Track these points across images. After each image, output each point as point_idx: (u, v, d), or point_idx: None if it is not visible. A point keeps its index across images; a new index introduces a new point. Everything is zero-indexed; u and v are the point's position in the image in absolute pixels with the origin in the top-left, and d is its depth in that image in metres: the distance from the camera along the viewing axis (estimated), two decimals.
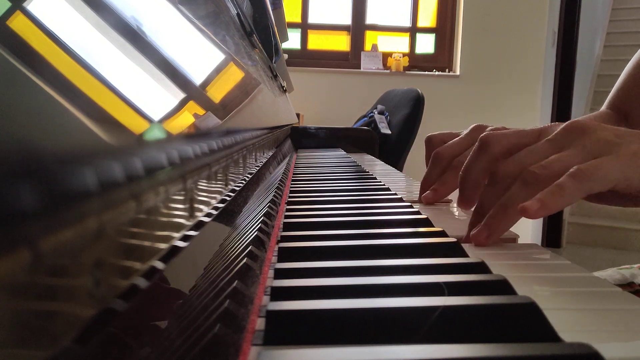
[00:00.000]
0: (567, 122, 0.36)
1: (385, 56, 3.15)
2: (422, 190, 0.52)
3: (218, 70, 0.41)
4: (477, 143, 0.39)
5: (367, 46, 3.19)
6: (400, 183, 0.69)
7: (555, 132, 0.36)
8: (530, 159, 0.35)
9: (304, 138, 1.47)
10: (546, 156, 0.34)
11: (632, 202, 0.37)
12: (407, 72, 3.11)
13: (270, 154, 0.78)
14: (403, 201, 0.47)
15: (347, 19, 3.19)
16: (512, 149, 0.37)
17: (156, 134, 0.21)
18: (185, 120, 0.26)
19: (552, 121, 3.14)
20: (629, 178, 0.32)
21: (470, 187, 0.39)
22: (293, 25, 3.10)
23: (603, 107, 0.73)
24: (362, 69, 3.12)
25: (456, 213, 0.48)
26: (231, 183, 0.37)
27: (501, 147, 0.38)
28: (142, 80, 0.22)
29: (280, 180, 0.59)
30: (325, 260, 0.26)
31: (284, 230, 0.35)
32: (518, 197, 0.33)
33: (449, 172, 0.49)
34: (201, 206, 0.26)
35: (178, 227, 0.21)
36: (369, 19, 3.19)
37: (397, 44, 3.21)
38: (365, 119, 2.39)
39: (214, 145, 0.29)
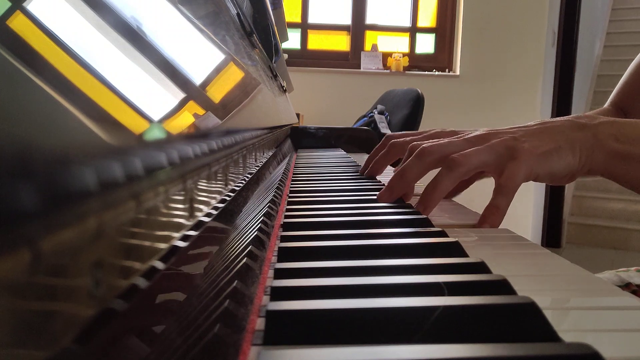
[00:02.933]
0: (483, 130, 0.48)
1: (385, 56, 3.15)
2: (366, 166, 0.67)
3: (218, 70, 0.41)
4: (416, 151, 0.47)
5: (367, 46, 3.19)
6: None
7: (472, 134, 0.47)
8: (450, 148, 0.45)
9: (303, 138, 1.47)
10: (463, 149, 0.44)
11: (561, 181, 0.45)
12: (407, 72, 3.11)
13: (270, 153, 0.78)
14: (403, 201, 0.47)
15: (347, 19, 3.19)
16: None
17: (156, 134, 0.21)
18: (185, 120, 0.26)
19: None
20: (527, 176, 0.41)
21: (401, 187, 0.46)
22: (293, 25, 3.10)
23: (606, 104, 0.75)
24: (362, 69, 3.12)
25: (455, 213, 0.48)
26: (231, 183, 0.37)
27: (435, 158, 0.45)
28: (142, 80, 0.22)
29: (280, 180, 0.59)
30: (325, 260, 0.26)
31: (284, 230, 0.35)
32: (443, 178, 0.43)
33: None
34: (201, 206, 0.26)
35: (178, 227, 0.21)
36: (369, 19, 3.19)
37: (397, 44, 3.21)
38: (365, 119, 2.39)
39: (213, 145, 0.29)
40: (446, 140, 0.47)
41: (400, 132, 0.65)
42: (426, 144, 0.47)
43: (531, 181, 0.44)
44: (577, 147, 0.42)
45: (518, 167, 0.41)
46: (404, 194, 0.47)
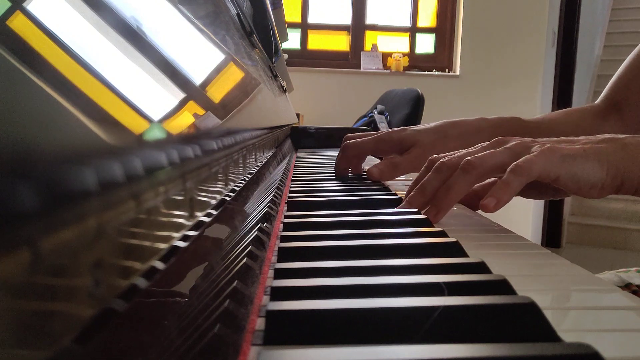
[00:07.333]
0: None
1: (385, 56, 3.15)
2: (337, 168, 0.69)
3: (218, 70, 0.41)
4: (435, 165, 0.45)
5: (367, 46, 3.19)
6: (400, 183, 0.69)
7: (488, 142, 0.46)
8: (467, 156, 0.43)
9: (303, 138, 1.47)
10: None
11: (551, 194, 0.46)
12: (407, 72, 3.11)
13: (270, 153, 0.78)
14: (403, 201, 0.47)
15: (347, 19, 3.19)
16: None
17: (156, 134, 0.21)
18: (185, 120, 0.26)
19: None
20: (547, 169, 0.39)
21: (421, 201, 0.44)
22: (293, 25, 3.10)
23: (597, 101, 0.75)
24: (362, 69, 3.12)
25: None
26: (231, 183, 0.37)
27: (453, 170, 0.44)
28: (142, 80, 0.22)
29: (280, 180, 0.59)
30: (325, 260, 0.26)
31: (283, 230, 0.35)
32: (458, 181, 0.41)
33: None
34: (201, 206, 0.26)
35: (178, 227, 0.21)
36: (369, 19, 3.19)
37: (397, 44, 3.21)
38: (365, 119, 2.39)
39: (213, 145, 0.29)
40: (464, 151, 0.45)
41: (355, 134, 0.69)
42: (444, 157, 0.45)
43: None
44: (605, 157, 0.40)
45: (536, 156, 0.39)
46: (423, 207, 0.45)
